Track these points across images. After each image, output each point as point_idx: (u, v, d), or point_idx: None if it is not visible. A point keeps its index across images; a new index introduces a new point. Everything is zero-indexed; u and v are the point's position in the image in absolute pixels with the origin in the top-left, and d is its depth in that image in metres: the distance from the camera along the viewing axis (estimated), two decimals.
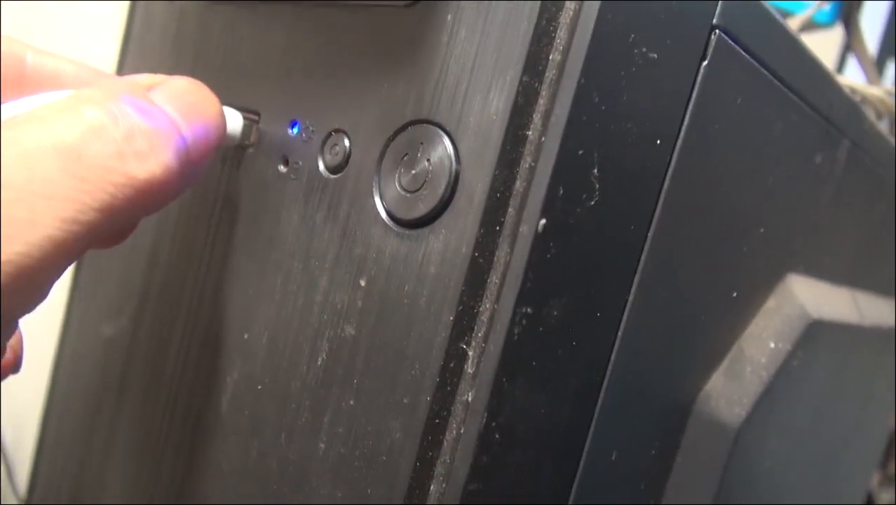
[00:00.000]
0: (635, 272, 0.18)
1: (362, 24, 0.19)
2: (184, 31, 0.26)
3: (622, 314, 0.18)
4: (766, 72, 0.20)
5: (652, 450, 0.22)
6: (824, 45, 0.49)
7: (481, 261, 0.16)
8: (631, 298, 0.18)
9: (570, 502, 0.19)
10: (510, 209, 0.16)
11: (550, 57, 0.16)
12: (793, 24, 0.40)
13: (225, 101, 0.23)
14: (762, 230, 0.23)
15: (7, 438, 0.49)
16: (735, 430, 0.23)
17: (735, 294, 0.23)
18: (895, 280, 0.37)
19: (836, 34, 0.48)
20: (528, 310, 0.16)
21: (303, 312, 0.20)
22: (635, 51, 0.16)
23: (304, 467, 0.19)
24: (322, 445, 0.18)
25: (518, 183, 0.16)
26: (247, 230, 0.22)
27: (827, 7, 0.43)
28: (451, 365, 0.16)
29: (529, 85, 0.16)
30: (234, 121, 0.22)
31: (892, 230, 0.35)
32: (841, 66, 0.56)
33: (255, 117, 0.22)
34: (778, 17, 0.20)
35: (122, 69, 0.29)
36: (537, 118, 0.16)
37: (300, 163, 0.20)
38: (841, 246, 0.30)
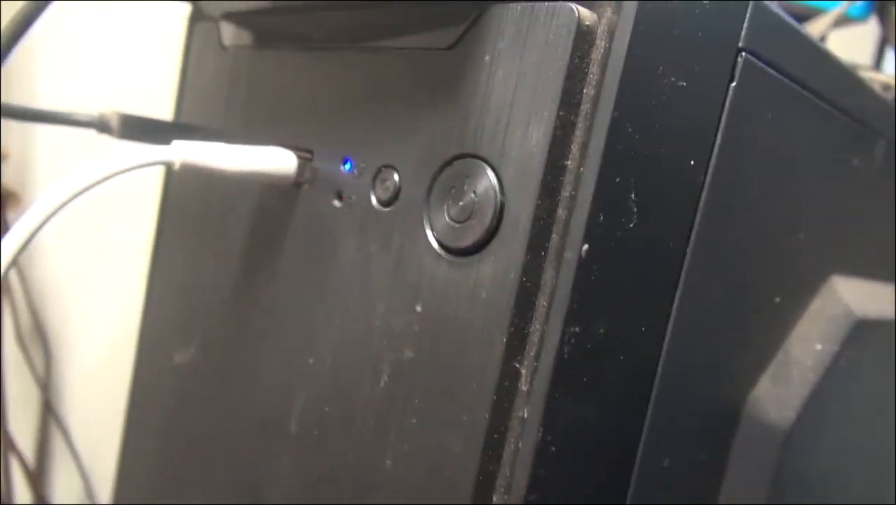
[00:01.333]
0: (676, 287, 0.19)
1: (406, 65, 0.21)
2: (236, 76, 0.28)
3: (666, 328, 0.19)
4: (794, 84, 0.21)
5: (702, 455, 0.23)
6: (862, 40, 0.48)
7: (529, 285, 0.17)
8: (674, 311, 0.19)
9: None
10: (554, 235, 0.17)
11: (584, 91, 0.17)
12: (825, 21, 0.40)
13: (279, 141, 0.24)
14: (802, 236, 0.24)
15: (87, 463, 0.52)
16: (785, 432, 0.24)
17: (778, 299, 0.24)
18: None
19: (872, 28, 0.47)
20: (576, 329, 0.17)
21: (363, 336, 0.21)
22: (664, 81, 0.17)
23: (371, 483, 0.20)
24: (388, 462, 0.20)
25: (560, 211, 0.17)
26: (307, 262, 0.23)
27: (859, 2, 0.43)
28: (506, 383, 0.18)
29: (566, 118, 0.17)
30: (289, 161, 0.23)
31: None
32: (879, 60, 0.56)
33: (309, 156, 0.24)
34: (801, 29, 0.20)
35: (179, 114, 0.31)
36: (575, 149, 0.17)
37: (353, 197, 0.22)
38: (885, 243, 0.31)
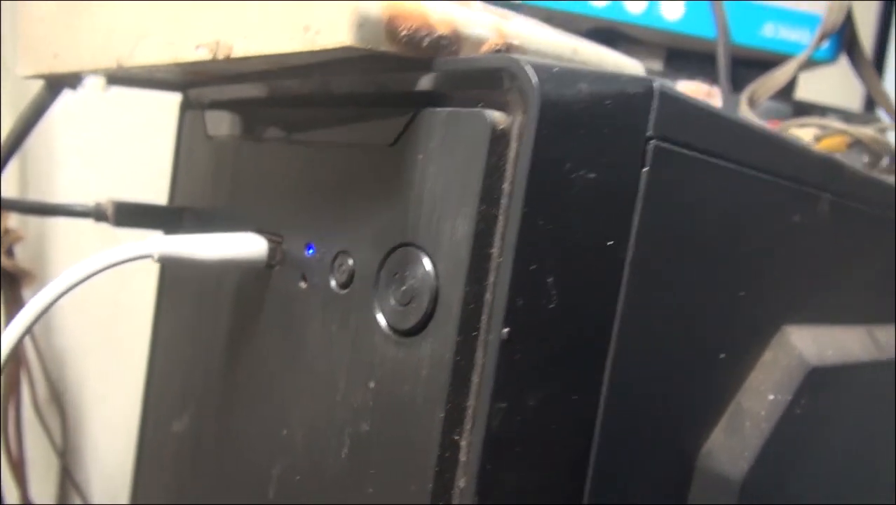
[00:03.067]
0: (606, 356, 0.20)
1: (358, 158, 0.23)
2: (220, 164, 0.30)
3: (599, 394, 0.20)
4: (713, 159, 0.22)
5: None
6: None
7: (463, 363, 0.19)
8: (606, 379, 0.20)
9: None
10: (484, 318, 0.19)
11: (503, 188, 0.19)
12: (790, 66, 0.42)
13: (257, 225, 0.27)
14: (742, 294, 0.25)
15: None
16: (739, 483, 0.25)
17: (723, 356, 0.25)
18: None
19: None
20: (504, 404, 0.18)
21: (327, 410, 0.23)
22: (573, 175, 0.18)
23: None
24: None
25: (487, 295, 0.19)
26: (280, 339, 0.25)
27: (826, 44, 0.45)
28: (447, 455, 0.19)
29: (488, 212, 0.19)
30: (260, 246, 0.26)
31: None
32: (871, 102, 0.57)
33: (279, 240, 0.26)
34: (713, 109, 0.22)
35: (172, 199, 0.34)
36: (497, 240, 0.19)
37: (316, 280, 0.24)
38: (848, 288, 0.31)
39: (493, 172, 0.19)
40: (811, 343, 0.28)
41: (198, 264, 0.25)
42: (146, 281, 0.36)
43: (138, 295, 0.50)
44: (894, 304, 0.35)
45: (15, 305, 0.45)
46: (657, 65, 0.46)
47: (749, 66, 0.46)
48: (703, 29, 0.44)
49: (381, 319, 0.21)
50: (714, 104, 0.45)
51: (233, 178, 0.29)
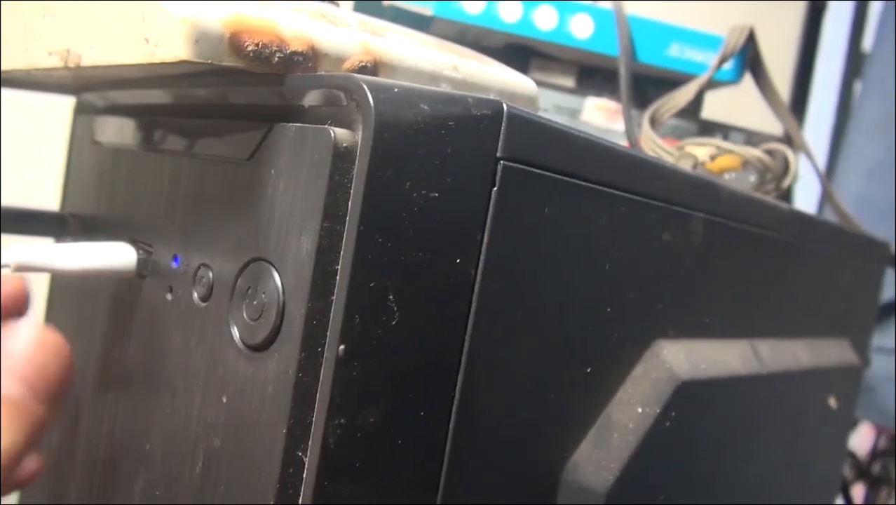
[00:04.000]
0: (457, 373, 0.21)
1: (218, 172, 0.23)
2: (104, 171, 0.30)
3: (450, 410, 0.21)
4: (571, 179, 0.23)
5: None
6: None
7: (306, 380, 0.19)
8: (457, 394, 0.21)
9: None
10: (328, 334, 0.19)
11: (349, 205, 0.19)
12: (693, 86, 0.43)
13: (129, 235, 0.26)
14: (609, 309, 0.25)
15: None
16: (603, 494, 0.25)
17: (589, 369, 0.25)
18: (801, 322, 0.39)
19: None
20: (342, 421, 0.18)
21: (184, 425, 0.22)
22: (414, 194, 0.19)
23: None
24: None
25: (332, 312, 0.19)
26: (146, 350, 0.25)
27: (729, 65, 0.46)
28: (290, 471, 0.19)
29: (332, 229, 0.19)
30: (129, 256, 0.25)
31: (789, 279, 0.37)
32: None
33: (151, 249, 0.26)
34: (569, 129, 0.22)
35: (63, 205, 0.33)
36: (340, 257, 0.19)
37: (180, 292, 0.24)
38: (729, 304, 0.32)
39: (338, 189, 0.19)
40: (684, 357, 0.29)
41: (63, 275, 0.24)
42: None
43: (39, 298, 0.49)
44: (775, 319, 0.36)
45: None
46: (570, 81, 0.47)
47: (657, 84, 0.47)
48: (613, 48, 0.45)
49: (235, 333, 0.21)
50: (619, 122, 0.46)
51: (112, 186, 0.29)
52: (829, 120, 1.04)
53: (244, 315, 0.21)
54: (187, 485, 0.22)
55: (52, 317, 0.33)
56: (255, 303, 0.20)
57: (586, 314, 0.25)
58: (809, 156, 0.45)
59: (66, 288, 0.32)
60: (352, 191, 0.19)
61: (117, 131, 0.29)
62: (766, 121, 0.49)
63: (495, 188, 0.20)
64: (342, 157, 0.19)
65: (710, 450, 0.31)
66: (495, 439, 0.22)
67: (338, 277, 0.19)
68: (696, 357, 0.30)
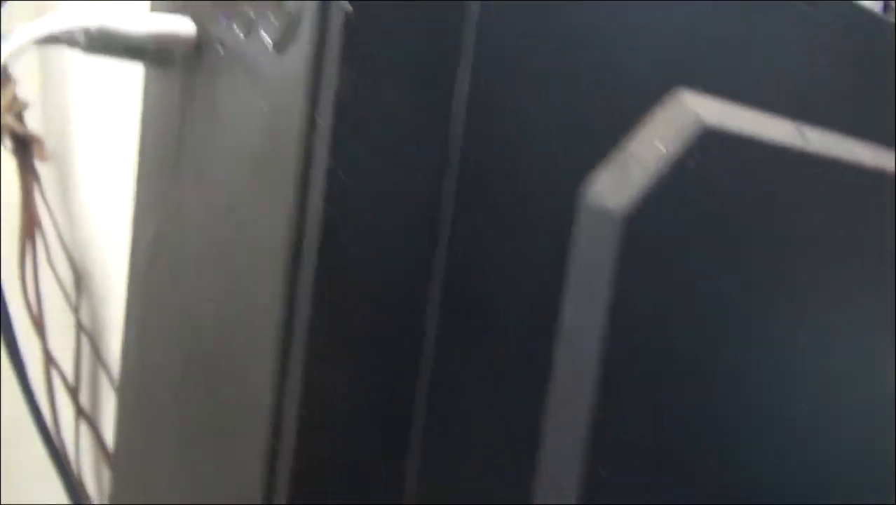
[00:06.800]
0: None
1: None
2: None
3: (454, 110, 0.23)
4: None
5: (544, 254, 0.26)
6: None
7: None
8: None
9: None
10: None
11: None
12: None
13: None
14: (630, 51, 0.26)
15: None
16: (622, 215, 0.26)
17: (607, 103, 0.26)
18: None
19: None
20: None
21: None
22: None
23: None
24: None
25: None
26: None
27: None
28: None
29: None
30: (188, 26, 0.28)
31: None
32: None
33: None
34: None
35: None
36: None
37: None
38: (772, 77, 0.32)
39: None
40: (707, 108, 0.29)
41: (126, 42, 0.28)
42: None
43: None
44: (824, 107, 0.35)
45: (26, 170, 0.50)
46: None
47: None
48: None
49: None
50: None
51: None
52: None
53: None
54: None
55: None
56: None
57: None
58: None
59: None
60: None
61: None
62: None
63: None
64: None
65: (741, 212, 0.31)
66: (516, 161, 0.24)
67: None
68: (716, 110, 0.30)
